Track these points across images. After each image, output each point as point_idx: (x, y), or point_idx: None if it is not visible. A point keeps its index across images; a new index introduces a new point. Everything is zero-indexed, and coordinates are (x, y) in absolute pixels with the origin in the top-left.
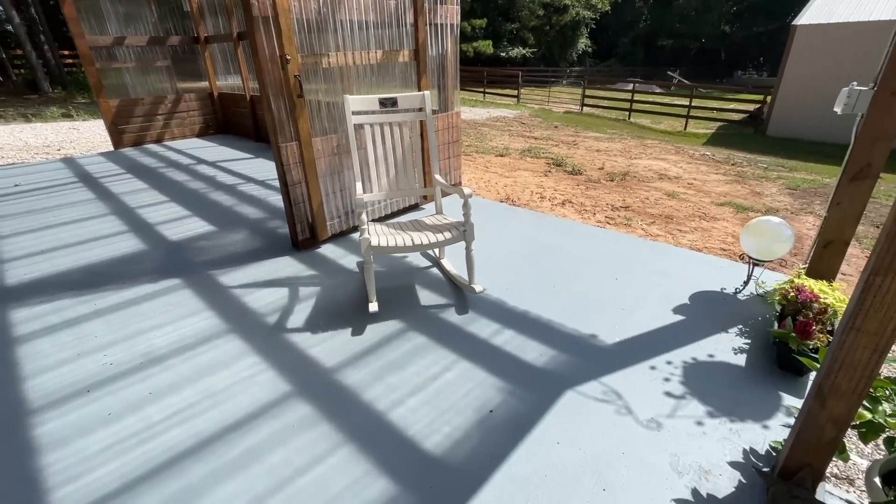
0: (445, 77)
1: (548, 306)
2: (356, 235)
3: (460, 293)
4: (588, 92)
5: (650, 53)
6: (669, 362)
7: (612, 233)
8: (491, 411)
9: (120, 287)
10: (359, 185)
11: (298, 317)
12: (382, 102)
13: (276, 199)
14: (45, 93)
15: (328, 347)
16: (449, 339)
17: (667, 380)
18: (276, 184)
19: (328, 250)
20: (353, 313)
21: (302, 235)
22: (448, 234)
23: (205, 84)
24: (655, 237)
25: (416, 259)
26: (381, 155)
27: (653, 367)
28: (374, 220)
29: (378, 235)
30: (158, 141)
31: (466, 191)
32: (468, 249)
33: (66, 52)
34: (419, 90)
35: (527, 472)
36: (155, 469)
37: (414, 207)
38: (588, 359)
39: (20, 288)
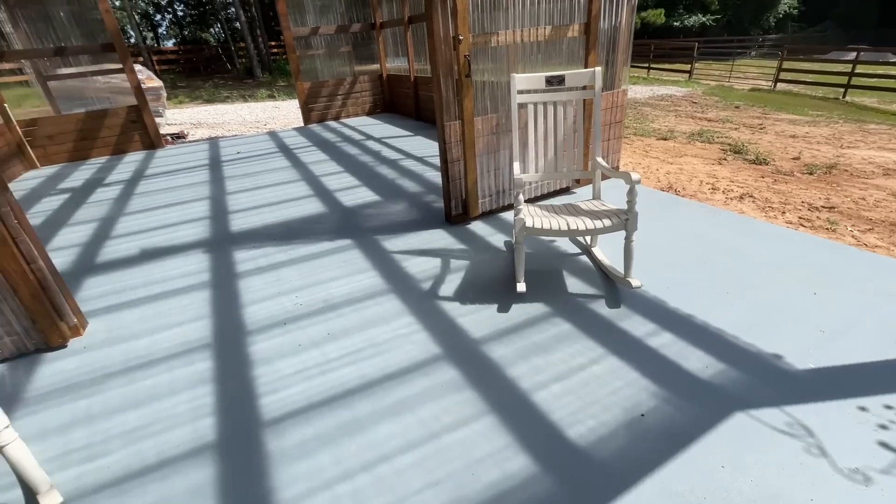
0: (616, 52)
1: (718, 313)
2: (504, 215)
3: (612, 285)
4: (786, 64)
5: (890, 10)
6: (889, 406)
7: (809, 237)
8: (642, 415)
9: (307, 242)
10: (517, 164)
11: (449, 286)
12: (549, 80)
13: (433, 175)
14: (257, 78)
15: (475, 319)
16: (597, 331)
17: (883, 427)
18: (433, 161)
19: (477, 227)
20: (499, 290)
21: (455, 211)
22: (607, 222)
23: (376, 66)
24: (874, 248)
25: (565, 244)
26: (541, 135)
27: (863, 409)
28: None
29: (533, 217)
30: (336, 118)
31: (634, 175)
32: (628, 240)
33: (273, 44)
34: (585, 67)
35: (682, 489)
36: (330, 398)
37: (565, 191)
38: (768, 381)
39: (240, 235)
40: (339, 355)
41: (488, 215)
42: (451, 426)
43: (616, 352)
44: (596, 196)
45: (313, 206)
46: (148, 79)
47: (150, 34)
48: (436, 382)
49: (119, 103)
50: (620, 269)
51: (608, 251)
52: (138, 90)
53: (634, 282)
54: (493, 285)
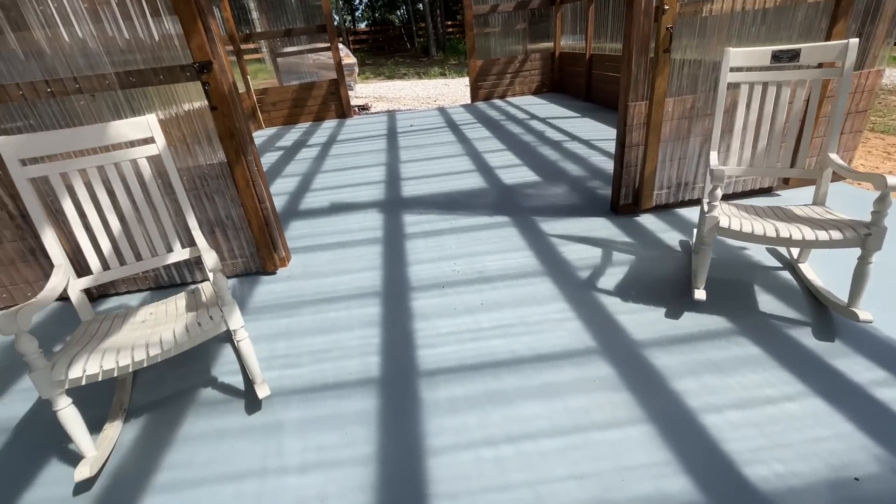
0: (876, 21)
1: None
2: (683, 211)
3: (824, 313)
4: None
5: None
6: None
7: None
8: (856, 479)
9: (467, 213)
10: (714, 154)
11: (609, 279)
12: (777, 56)
13: (599, 160)
14: (431, 56)
15: (637, 320)
16: (796, 363)
17: None
18: (600, 144)
19: (647, 220)
20: (668, 293)
21: (624, 200)
22: (837, 235)
23: (549, 44)
24: None
25: (760, 254)
26: (752, 121)
27: None
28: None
29: (729, 216)
30: (502, 97)
31: (891, 180)
32: (864, 260)
33: (449, 23)
34: (828, 40)
35: None
36: (480, 364)
37: (766, 191)
38: None
39: (409, 200)
40: (490, 326)
41: (662, 209)
42: (602, 424)
43: (823, 394)
44: (819, 201)
45: (475, 181)
46: (346, 56)
47: (349, 17)
48: (588, 375)
49: (323, 77)
50: (840, 294)
51: (821, 270)
52: (339, 66)
53: (863, 314)
54: (661, 286)
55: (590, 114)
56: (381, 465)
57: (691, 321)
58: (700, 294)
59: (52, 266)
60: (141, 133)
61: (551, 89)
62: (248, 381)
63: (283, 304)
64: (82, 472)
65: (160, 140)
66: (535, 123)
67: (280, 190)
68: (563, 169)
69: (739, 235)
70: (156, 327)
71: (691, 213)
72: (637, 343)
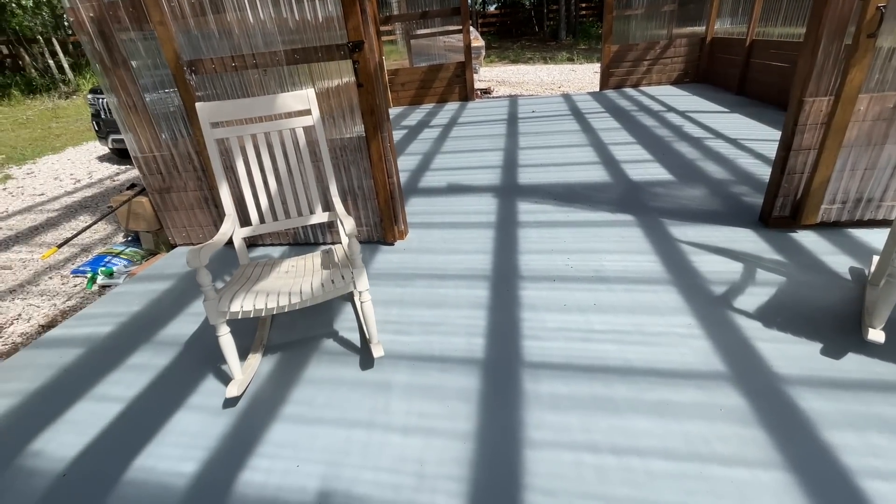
0: None
1: None
2: (858, 232)
3: None
4: None
5: None
6: None
7: None
8: None
9: (586, 208)
10: None
11: (750, 300)
12: None
13: (748, 162)
14: (560, 41)
15: (782, 351)
16: None
17: None
18: (751, 145)
19: (808, 239)
20: (828, 327)
21: (779, 212)
22: None
23: (701, 29)
24: None
25: None
26: None
27: None
28: None
29: None
30: (636, 85)
31: None
32: None
33: (583, 5)
34: None
35: None
36: (588, 367)
37: None
38: None
39: (525, 188)
40: (603, 329)
41: (830, 227)
42: (726, 459)
43: None
44: None
45: (598, 174)
46: (475, 39)
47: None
48: (713, 401)
49: (451, 59)
50: None
51: None
52: (467, 49)
53: None
54: (819, 317)
55: (741, 109)
56: (479, 444)
57: (858, 365)
58: (877, 335)
59: (219, 213)
60: (301, 105)
61: (696, 79)
62: (364, 340)
63: (399, 275)
64: (231, 390)
65: (315, 112)
66: (672, 116)
67: (403, 167)
68: (703, 169)
69: None
70: (296, 278)
71: (871, 237)
72: (779, 377)
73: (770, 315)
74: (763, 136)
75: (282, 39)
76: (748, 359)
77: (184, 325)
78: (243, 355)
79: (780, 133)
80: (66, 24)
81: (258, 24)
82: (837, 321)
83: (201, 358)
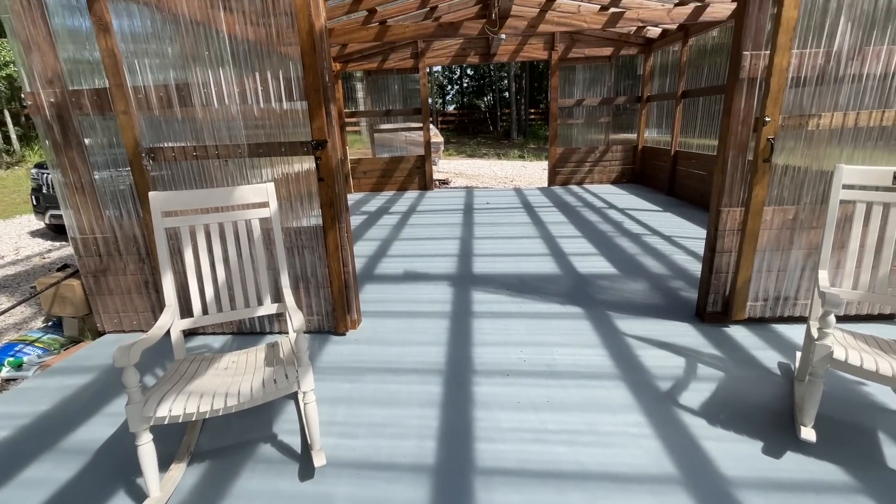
0: None
1: None
2: (781, 328)
3: None
4: None
5: None
6: None
7: None
8: None
9: (538, 299)
10: (823, 274)
11: (693, 396)
12: None
13: (683, 259)
14: (512, 139)
15: (728, 450)
16: None
17: None
18: (684, 242)
19: (739, 334)
20: (767, 424)
21: (712, 307)
22: None
23: (632, 136)
24: None
25: (884, 393)
26: (870, 243)
27: None
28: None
29: (846, 348)
30: (580, 183)
31: None
32: None
33: (532, 111)
34: None
35: None
36: (542, 472)
37: (887, 318)
38: None
39: (480, 277)
40: (556, 429)
41: (756, 322)
42: None
43: None
44: None
45: (547, 265)
46: (434, 135)
47: (441, 100)
48: None
49: (411, 152)
50: None
51: None
52: (427, 144)
53: None
54: (757, 415)
55: (673, 209)
56: None
57: (796, 464)
58: (808, 434)
59: (158, 298)
60: (259, 198)
61: (632, 180)
62: (306, 443)
63: (349, 368)
64: None
65: (273, 205)
66: (613, 213)
67: (360, 252)
68: (643, 264)
69: (859, 372)
70: (236, 377)
71: (792, 332)
72: (728, 480)
73: (713, 412)
74: (693, 235)
75: (246, 132)
76: (698, 461)
77: (98, 429)
78: (165, 465)
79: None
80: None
81: (222, 117)
82: (774, 418)
83: (113, 469)
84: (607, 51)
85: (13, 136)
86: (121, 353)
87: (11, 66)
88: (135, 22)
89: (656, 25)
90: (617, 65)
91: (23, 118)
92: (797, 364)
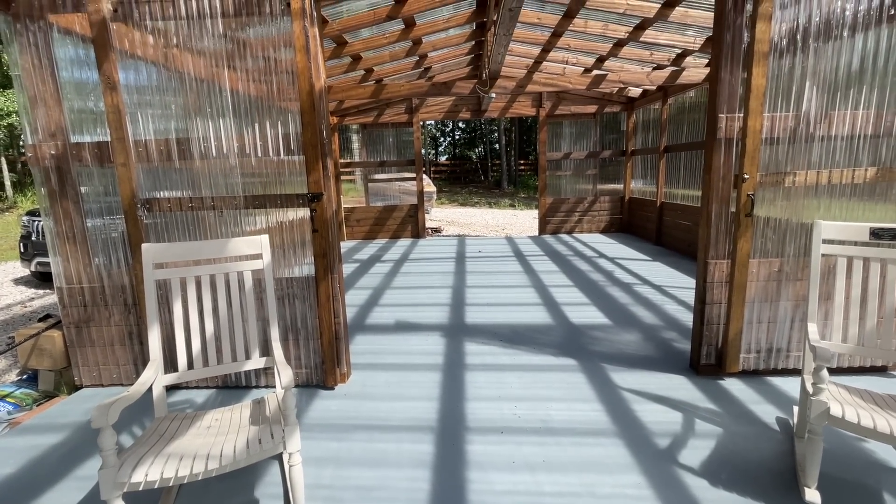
0: None
1: None
2: (777, 380)
3: None
4: None
5: None
6: None
7: None
8: None
9: (531, 350)
10: (812, 327)
11: (693, 454)
12: (877, 234)
13: (674, 309)
14: (503, 189)
15: None
16: None
17: None
18: (674, 292)
19: (735, 387)
20: (769, 485)
21: (705, 360)
22: None
23: (619, 187)
24: None
25: (886, 451)
26: (855, 297)
27: None
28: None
29: (842, 404)
30: (569, 232)
31: None
32: None
33: (521, 162)
34: None
35: None
36: None
37: (879, 370)
38: None
39: (473, 328)
40: (552, 491)
41: (751, 375)
42: None
43: None
44: None
45: (540, 315)
46: (427, 185)
47: (433, 151)
48: None
49: (404, 201)
50: None
51: None
52: (420, 194)
53: None
54: (759, 474)
55: (662, 258)
56: None
57: None
58: (813, 496)
59: (142, 350)
60: (253, 250)
61: (620, 230)
62: None
63: (337, 426)
64: None
65: (267, 257)
66: (603, 262)
67: (352, 302)
68: (635, 314)
69: (856, 429)
70: (218, 437)
71: (788, 385)
72: None
73: (714, 471)
74: (682, 284)
75: (242, 181)
76: None
77: (65, 495)
78: None
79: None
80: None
81: (222, 167)
82: (776, 477)
83: None
84: (592, 108)
85: (7, 183)
86: (99, 413)
87: (14, 115)
88: (140, 76)
89: (637, 87)
90: (602, 121)
91: (19, 165)
92: (795, 419)
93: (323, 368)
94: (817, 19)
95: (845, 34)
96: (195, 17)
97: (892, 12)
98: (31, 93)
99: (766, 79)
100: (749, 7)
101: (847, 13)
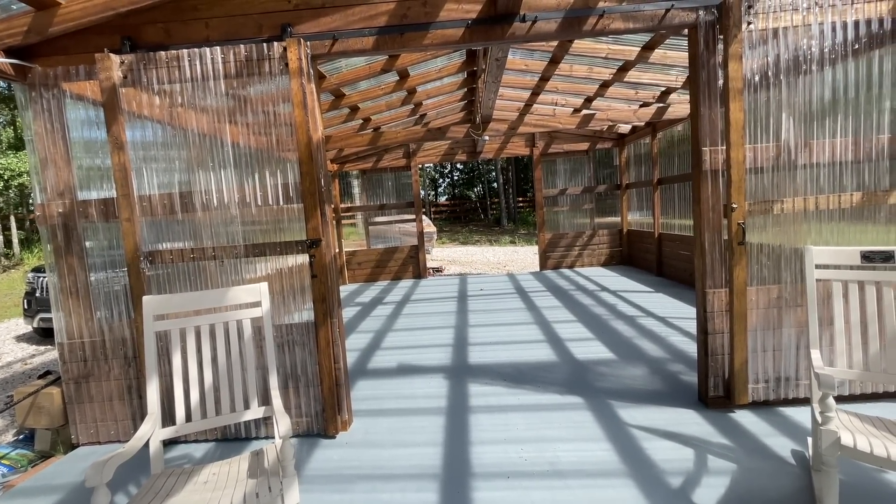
0: None
1: None
2: (789, 410)
3: None
4: None
5: None
6: None
7: None
8: None
9: (536, 390)
10: (816, 354)
11: (707, 494)
12: (868, 257)
13: (679, 340)
14: (503, 226)
15: None
16: None
17: None
18: (678, 323)
19: (746, 419)
20: None
21: (713, 392)
22: None
23: (617, 220)
24: None
25: None
26: (855, 322)
27: None
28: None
29: (853, 433)
30: (571, 266)
31: None
32: None
33: (520, 199)
34: None
35: None
36: None
37: (893, 396)
38: None
39: (476, 368)
40: None
41: (762, 406)
42: None
43: None
44: None
45: (544, 353)
46: (427, 225)
47: (433, 192)
48: None
49: (405, 243)
50: None
51: None
52: (420, 235)
53: None
54: None
55: (664, 289)
56: None
57: None
58: None
59: (141, 405)
60: (252, 298)
61: (621, 262)
62: None
63: (338, 476)
64: None
65: (266, 305)
66: (605, 296)
67: (353, 346)
68: (640, 347)
69: (869, 458)
70: (215, 492)
71: (800, 415)
72: None
73: None
74: (686, 315)
75: (243, 229)
76: None
77: None
78: None
79: None
80: (30, 203)
81: (223, 217)
82: None
83: None
84: (584, 145)
85: (15, 240)
86: (94, 471)
87: (25, 175)
88: (146, 133)
89: (626, 123)
90: (595, 157)
91: (28, 223)
92: (811, 451)
93: (324, 416)
94: (786, 56)
95: (814, 68)
96: (199, 79)
97: (856, 47)
98: (42, 155)
99: (744, 112)
100: (720, 47)
101: (814, 49)
